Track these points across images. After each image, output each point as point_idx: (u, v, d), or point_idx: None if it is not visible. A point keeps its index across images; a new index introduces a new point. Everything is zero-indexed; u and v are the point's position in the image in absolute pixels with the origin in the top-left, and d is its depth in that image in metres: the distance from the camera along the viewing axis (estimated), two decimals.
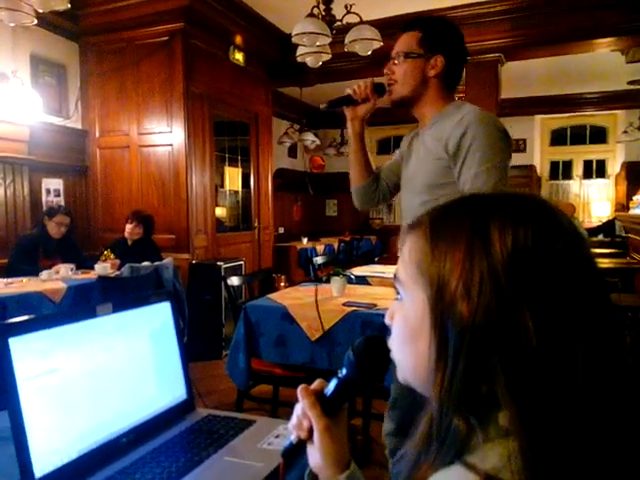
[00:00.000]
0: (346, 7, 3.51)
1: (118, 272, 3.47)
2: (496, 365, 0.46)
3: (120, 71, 4.53)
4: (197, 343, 3.99)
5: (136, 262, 3.53)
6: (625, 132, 7.45)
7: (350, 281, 3.05)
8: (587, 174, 8.82)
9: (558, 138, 8.93)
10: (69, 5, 2.87)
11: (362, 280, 3.55)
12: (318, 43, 3.40)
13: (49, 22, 4.18)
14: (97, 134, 4.69)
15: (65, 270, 3.41)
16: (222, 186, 5.78)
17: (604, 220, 7.90)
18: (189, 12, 4.23)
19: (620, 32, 4.47)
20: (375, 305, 2.52)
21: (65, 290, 3.09)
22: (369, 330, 2.31)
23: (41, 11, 2.91)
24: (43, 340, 0.88)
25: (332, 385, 0.69)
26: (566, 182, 8.94)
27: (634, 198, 6.13)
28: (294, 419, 0.70)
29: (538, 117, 8.60)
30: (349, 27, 3.47)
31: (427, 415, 0.53)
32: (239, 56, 5.06)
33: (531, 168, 8.55)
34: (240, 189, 5.92)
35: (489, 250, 0.48)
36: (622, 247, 5.88)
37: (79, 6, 4.26)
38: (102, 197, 4.73)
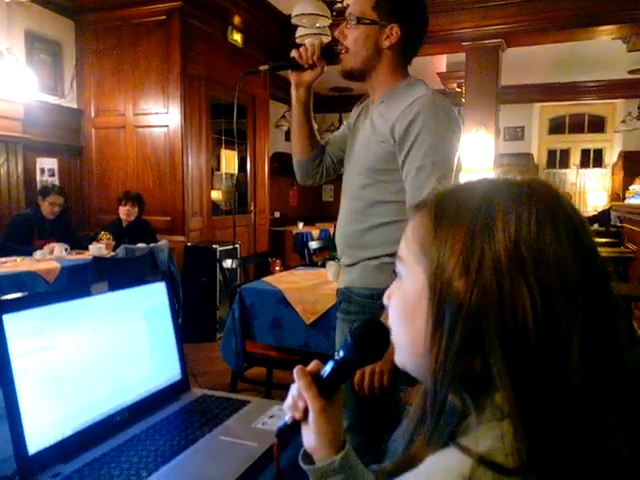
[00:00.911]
0: None
1: (113, 253, 3.46)
2: (491, 342, 0.46)
3: (116, 50, 4.47)
4: (191, 325, 3.99)
5: (131, 244, 3.52)
6: (623, 121, 7.45)
7: None
8: (584, 163, 8.83)
9: (556, 126, 8.92)
10: None
11: None
12: (318, 25, 3.36)
13: None
14: (92, 114, 4.64)
15: (59, 250, 3.40)
16: (218, 169, 5.75)
17: (599, 210, 7.93)
18: None
19: (622, 19, 4.44)
20: None
21: (59, 270, 3.08)
22: None
23: None
24: (37, 318, 0.87)
25: (329, 367, 0.69)
26: (563, 171, 8.95)
27: (630, 188, 6.14)
28: (289, 399, 0.70)
29: (537, 105, 8.58)
30: None
31: (421, 391, 0.53)
32: (237, 37, 4.99)
33: (528, 156, 8.54)
34: (236, 172, 5.89)
35: (491, 231, 0.48)
36: (617, 237, 5.91)
37: None
38: (97, 177, 4.69)
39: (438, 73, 6.70)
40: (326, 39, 3.69)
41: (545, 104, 8.58)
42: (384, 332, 0.63)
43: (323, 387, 0.69)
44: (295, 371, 0.70)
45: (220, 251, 4.30)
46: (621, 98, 7.92)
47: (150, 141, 4.46)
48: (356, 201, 1.46)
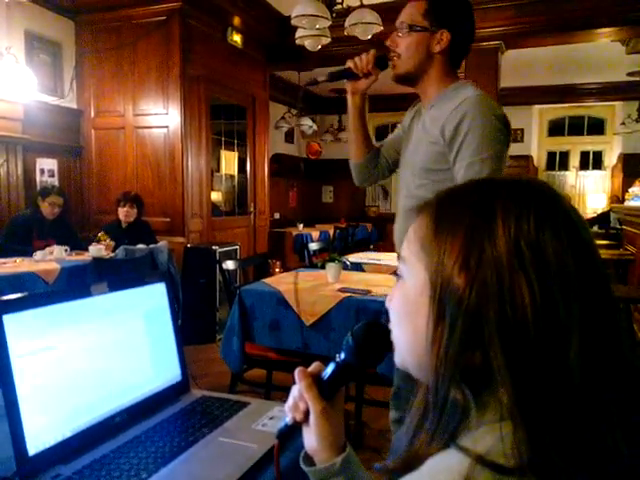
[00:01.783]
0: None
1: (112, 254, 3.45)
2: (490, 335, 0.47)
3: (116, 50, 4.47)
4: (191, 326, 3.99)
5: (130, 245, 3.52)
6: (623, 124, 7.45)
7: (345, 267, 3.05)
8: (584, 165, 8.84)
9: (555, 128, 8.92)
10: None
11: (357, 267, 3.56)
12: (318, 26, 3.36)
13: None
14: (92, 114, 4.64)
15: (59, 251, 3.39)
16: (218, 170, 5.75)
17: (599, 212, 7.93)
18: None
19: (622, 22, 4.44)
20: (370, 291, 2.52)
21: (59, 271, 3.07)
22: (364, 316, 2.32)
23: None
24: (37, 318, 0.87)
25: (330, 369, 0.70)
26: (562, 173, 8.95)
27: (630, 190, 6.15)
28: (290, 401, 0.70)
29: (536, 107, 8.58)
30: (349, 10, 3.43)
31: (423, 388, 0.54)
32: (237, 38, 4.99)
33: (528, 158, 8.54)
34: (236, 173, 5.89)
35: (492, 228, 0.49)
36: (616, 239, 5.91)
37: None
38: (97, 178, 4.69)
39: None
40: (326, 40, 3.69)
41: (544, 106, 8.59)
42: (385, 333, 0.63)
43: (324, 389, 0.69)
44: (296, 372, 0.70)
45: (220, 252, 4.30)
46: (620, 100, 7.93)
47: (150, 142, 4.46)
48: (411, 199, 1.55)
